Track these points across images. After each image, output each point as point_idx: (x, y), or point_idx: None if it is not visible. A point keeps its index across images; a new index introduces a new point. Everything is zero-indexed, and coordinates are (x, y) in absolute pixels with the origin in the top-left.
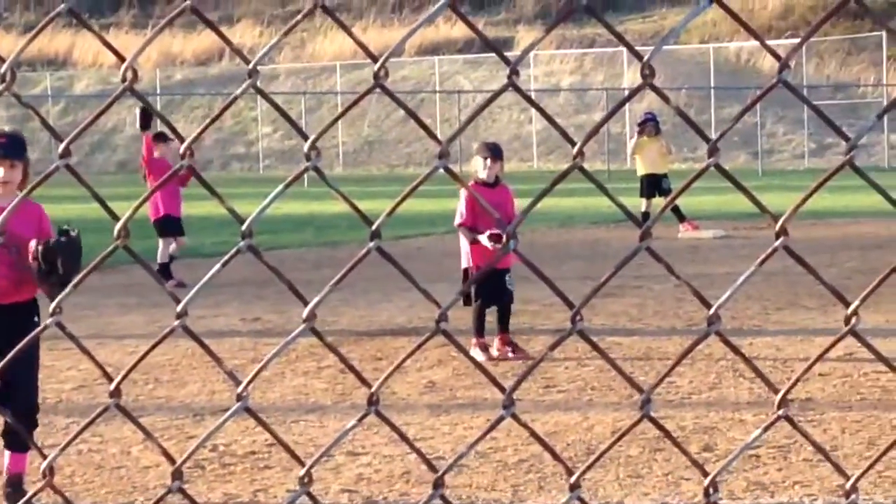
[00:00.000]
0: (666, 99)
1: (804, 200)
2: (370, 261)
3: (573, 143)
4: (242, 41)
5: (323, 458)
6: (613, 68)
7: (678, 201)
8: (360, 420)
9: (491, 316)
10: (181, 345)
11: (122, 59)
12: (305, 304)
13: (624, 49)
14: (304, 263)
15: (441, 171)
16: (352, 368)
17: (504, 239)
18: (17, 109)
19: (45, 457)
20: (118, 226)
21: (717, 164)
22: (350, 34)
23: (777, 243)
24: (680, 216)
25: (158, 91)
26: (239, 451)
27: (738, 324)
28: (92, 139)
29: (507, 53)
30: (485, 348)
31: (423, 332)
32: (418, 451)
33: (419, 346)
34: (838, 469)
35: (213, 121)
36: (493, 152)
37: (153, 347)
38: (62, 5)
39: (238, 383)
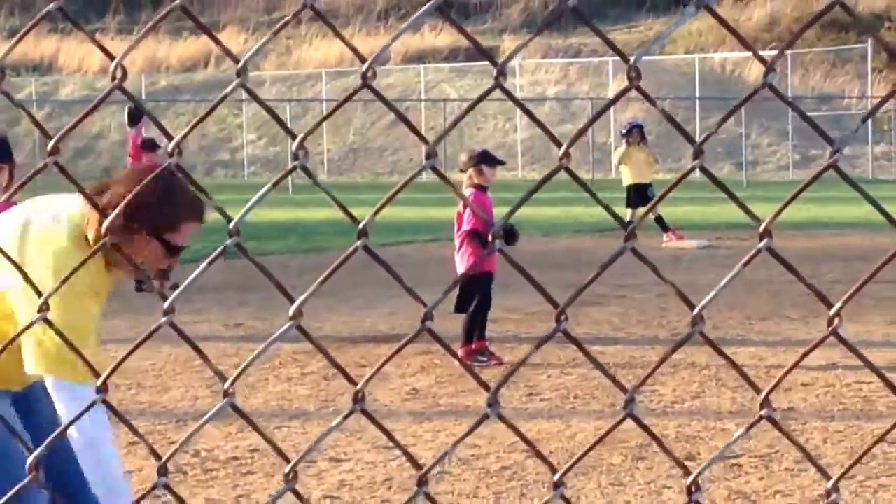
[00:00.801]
0: (653, 102)
1: (788, 202)
2: (354, 267)
3: (559, 144)
4: (227, 47)
5: (305, 464)
6: (599, 78)
7: (662, 211)
8: (346, 417)
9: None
10: (164, 350)
11: (111, 57)
12: (292, 301)
13: (609, 59)
14: (288, 270)
15: (428, 180)
16: (338, 366)
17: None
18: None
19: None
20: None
21: (703, 166)
22: (339, 35)
23: (761, 245)
24: (664, 226)
25: (144, 97)
26: (221, 457)
27: (721, 333)
28: (77, 144)
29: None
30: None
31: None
32: (405, 451)
33: (406, 344)
34: (821, 470)
35: (201, 119)
36: (497, 159)
37: (142, 342)
38: (52, 4)
39: (224, 380)
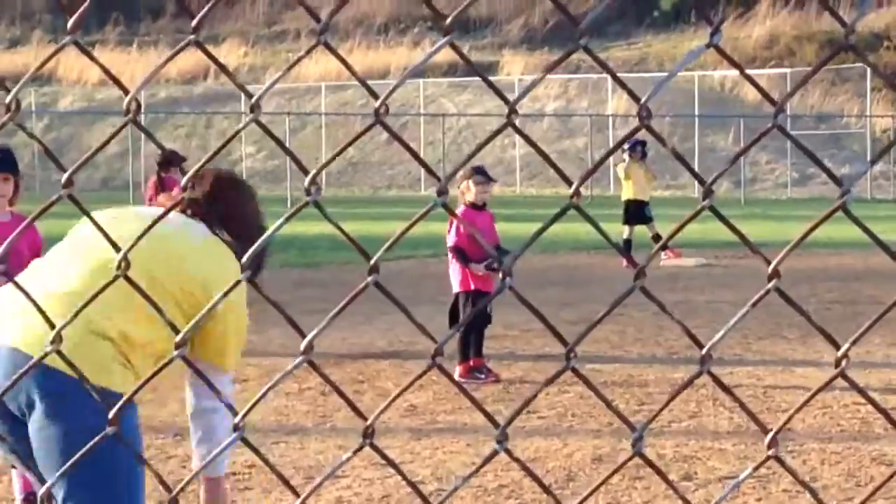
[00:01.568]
0: (662, 142)
1: (797, 244)
2: (353, 283)
3: (570, 183)
4: (227, 60)
5: (303, 480)
6: (598, 94)
7: (660, 229)
8: (355, 453)
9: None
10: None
11: (125, 91)
12: (303, 335)
13: (608, 75)
14: (286, 283)
15: (428, 195)
16: (349, 402)
17: (498, 270)
18: None
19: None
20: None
21: (712, 206)
22: (349, 68)
23: (770, 285)
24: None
25: (143, 109)
26: None
27: (720, 353)
28: (75, 157)
29: (491, 78)
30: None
31: (404, 355)
32: (410, 483)
33: (416, 380)
34: (820, 502)
35: (213, 155)
36: (487, 176)
37: (150, 378)
38: (67, 38)
39: (235, 413)
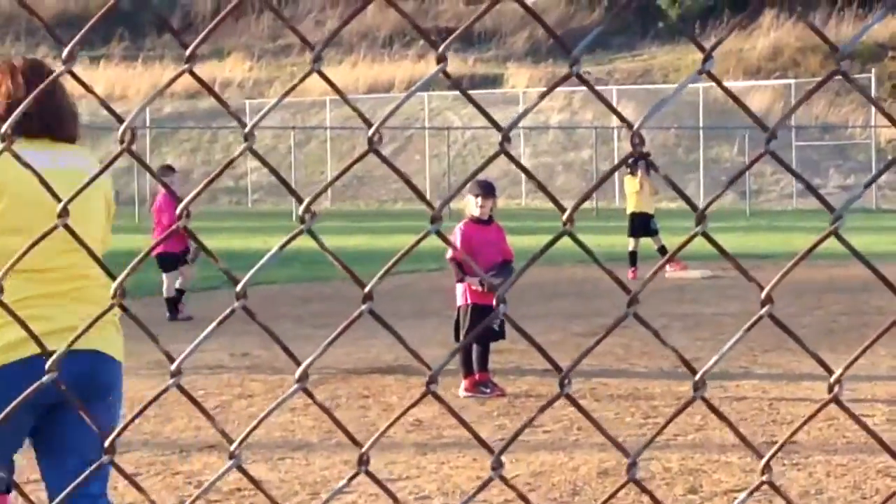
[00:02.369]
0: (656, 168)
1: (790, 269)
2: (356, 298)
3: (563, 210)
4: (232, 75)
5: (308, 495)
6: (602, 106)
7: (665, 241)
8: (350, 480)
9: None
10: (167, 380)
11: (120, 120)
12: (298, 363)
13: (613, 87)
14: (291, 298)
15: (436, 205)
16: (346, 432)
17: (493, 291)
18: None
19: (24, 495)
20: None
21: (705, 232)
22: (345, 99)
23: (762, 311)
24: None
25: (148, 123)
26: (224, 488)
27: (725, 366)
28: None
29: (496, 91)
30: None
31: (409, 371)
32: None
33: (412, 406)
34: None
35: (210, 181)
36: (486, 190)
37: (147, 406)
38: (61, 67)
39: (230, 441)
